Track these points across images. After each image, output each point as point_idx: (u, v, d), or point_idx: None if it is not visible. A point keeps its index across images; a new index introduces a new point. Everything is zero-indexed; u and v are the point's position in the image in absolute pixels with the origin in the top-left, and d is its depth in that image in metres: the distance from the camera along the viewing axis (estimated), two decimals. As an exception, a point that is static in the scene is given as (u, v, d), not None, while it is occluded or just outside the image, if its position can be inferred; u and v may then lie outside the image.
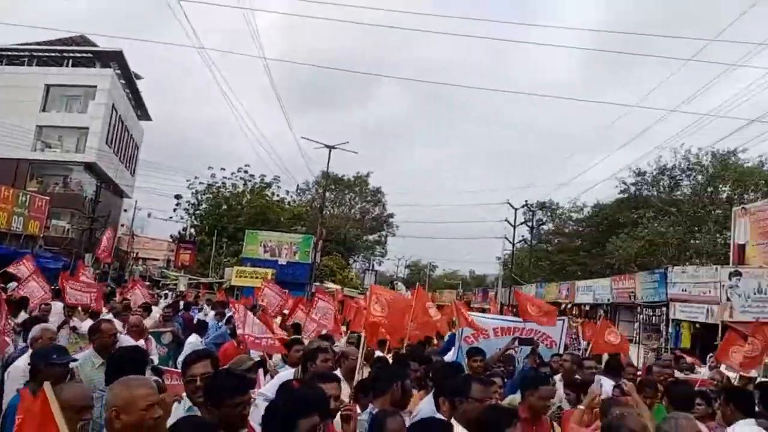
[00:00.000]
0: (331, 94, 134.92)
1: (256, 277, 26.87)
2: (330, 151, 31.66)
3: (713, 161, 31.21)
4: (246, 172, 44.32)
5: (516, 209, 40.16)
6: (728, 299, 18.37)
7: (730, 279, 18.58)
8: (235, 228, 39.58)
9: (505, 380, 5.52)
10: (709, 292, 19.04)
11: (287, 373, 5.01)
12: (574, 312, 27.23)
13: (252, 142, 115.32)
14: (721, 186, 31.07)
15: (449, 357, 7.08)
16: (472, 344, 7.00)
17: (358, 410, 4.04)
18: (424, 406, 4.38)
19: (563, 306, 29.33)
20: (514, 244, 41.85)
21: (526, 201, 41.27)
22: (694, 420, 3.52)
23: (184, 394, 3.30)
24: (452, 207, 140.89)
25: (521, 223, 40.92)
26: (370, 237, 56.73)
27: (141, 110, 44.24)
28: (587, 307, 27.14)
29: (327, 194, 51.26)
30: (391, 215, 55.68)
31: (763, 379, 8.43)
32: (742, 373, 8.29)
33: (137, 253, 42.87)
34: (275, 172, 63.91)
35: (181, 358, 5.64)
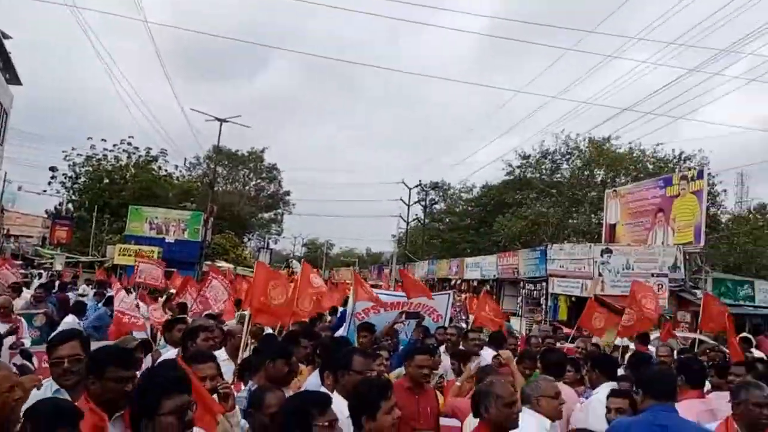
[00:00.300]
0: (223, 66, 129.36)
1: (141, 256, 25.48)
2: (221, 125, 30.52)
3: (590, 147, 33.53)
4: (130, 144, 41.59)
5: (410, 189, 41.05)
6: (600, 274, 19.97)
7: (601, 256, 20.17)
8: (118, 203, 37.16)
9: (392, 353, 5.63)
10: (584, 268, 20.56)
11: (170, 354, 4.81)
12: (463, 287, 28.38)
13: (135, 113, 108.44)
14: (596, 170, 33.47)
15: (340, 333, 7.11)
16: (362, 320, 7.06)
17: (242, 387, 3.95)
18: (310, 380, 4.38)
19: (453, 281, 30.51)
20: (408, 223, 42.85)
21: (420, 181, 42.38)
22: (554, 381, 3.76)
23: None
24: (349, 185, 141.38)
25: (415, 203, 41.96)
26: (266, 215, 55.62)
27: (10, 73, 39.95)
28: (475, 283, 28.37)
29: (219, 170, 49.48)
30: (287, 192, 54.89)
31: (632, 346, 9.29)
32: (603, 339, 9.07)
33: (8, 230, 39.09)
34: (162, 146, 60.68)
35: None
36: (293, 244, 74.04)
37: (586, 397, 4.82)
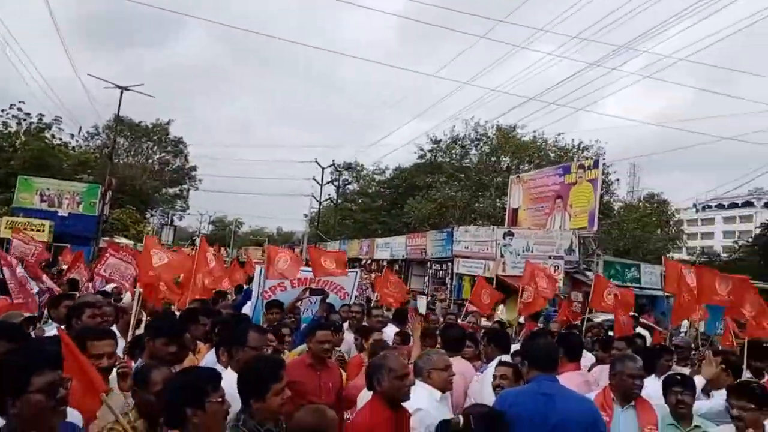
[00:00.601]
0: (128, 33, 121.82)
1: (31, 230, 23.66)
2: (122, 93, 28.64)
3: (497, 134, 34.74)
4: (20, 110, 38.25)
5: (323, 168, 40.75)
6: (502, 256, 20.87)
7: (504, 238, 21.06)
8: (6, 173, 34.16)
9: (294, 331, 5.59)
10: (487, 249, 21.38)
11: (54, 331, 4.52)
12: (373, 267, 28.68)
13: (28, 80, 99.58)
14: (502, 156, 34.77)
15: (247, 311, 6.98)
16: (269, 298, 6.97)
17: (132, 365, 3.78)
18: (207, 358, 4.27)
19: (363, 261, 30.77)
20: (320, 203, 42.58)
21: (333, 161, 42.10)
22: (445, 355, 3.91)
23: None
24: (260, 163, 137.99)
25: (328, 182, 41.72)
26: (170, 190, 53.22)
27: None
28: (385, 263, 28.78)
29: (121, 141, 46.68)
30: (193, 168, 52.62)
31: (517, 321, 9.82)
32: (506, 317, 9.57)
33: None
34: (56, 114, 56.34)
35: None
36: (200, 221, 71.58)
37: (482, 371, 5.01)
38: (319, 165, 40.45)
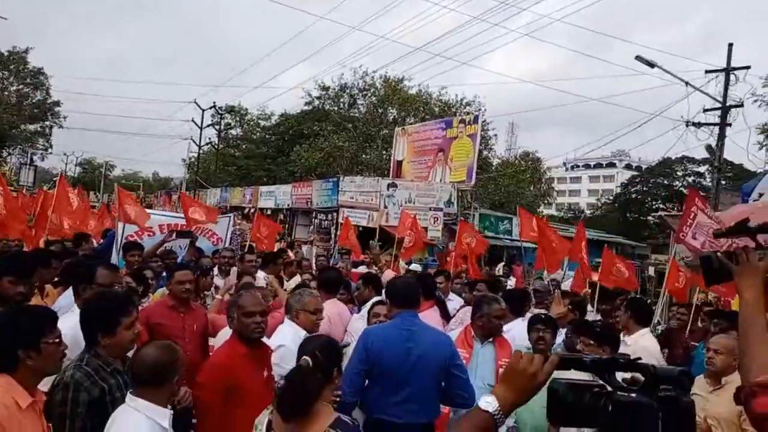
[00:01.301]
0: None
1: None
2: (-32, 12, 25.13)
3: (385, 85, 34.83)
4: None
5: (204, 110, 38.72)
6: (385, 207, 21.30)
7: (387, 189, 21.45)
8: None
9: (159, 274, 5.39)
10: (372, 200, 21.70)
11: None
12: (256, 216, 28.12)
13: None
14: (389, 108, 35.02)
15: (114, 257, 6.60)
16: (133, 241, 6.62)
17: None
18: (60, 300, 4.02)
19: (246, 210, 30.06)
20: (200, 147, 40.61)
21: (214, 103, 39.94)
22: (318, 298, 3.98)
23: None
24: (135, 101, 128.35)
25: (208, 125, 39.75)
26: (30, 126, 48.15)
27: None
28: (269, 212, 28.30)
29: (-31, 69, 41.34)
30: (57, 103, 47.74)
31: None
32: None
33: None
34: None
35: None
36: (65, 162, 65.70)
37: (359, 311, 5.43)
38: (199, 106, 38.34)
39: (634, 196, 46.19)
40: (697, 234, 6.77)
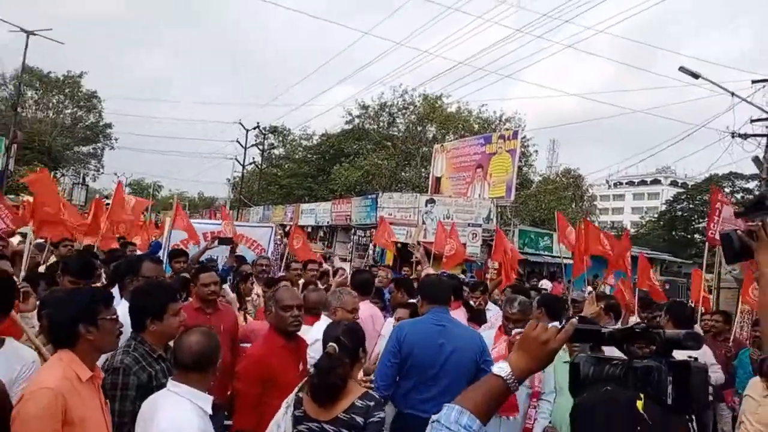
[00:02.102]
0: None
1: None
2: (28, 38, 26.56)
3: (424, 103, 35.06)
4: None
5: (248, 131, 39.69)
6: (423, 223, 21.33)
7: (426, 205, 21.51)
8: None
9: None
10: (410, 216, 21.79)
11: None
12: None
13: None
14: (428, 126, 35.20)
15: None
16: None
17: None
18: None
19: (287, 228, 30.55)
20: (244, 166, 41.57)
21: (258, 123, 40.90)
22: (357, 298, 4.09)
23: None
24: (181, 122, 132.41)
25: (252, 145, 40.70)
26: (83, 148, 50.27)
27: None
28: (309, 229, 28.69)
29: (30, 94, 43.51)
30: (108, 125, 49.77)
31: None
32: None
33: None
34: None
35: None
36: (114, 182, 68.08)
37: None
38: (243, 127, 39.33)
39: (679, 213, 44.96)
40: (725, 227, 6.69)
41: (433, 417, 1.44)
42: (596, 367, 1.50)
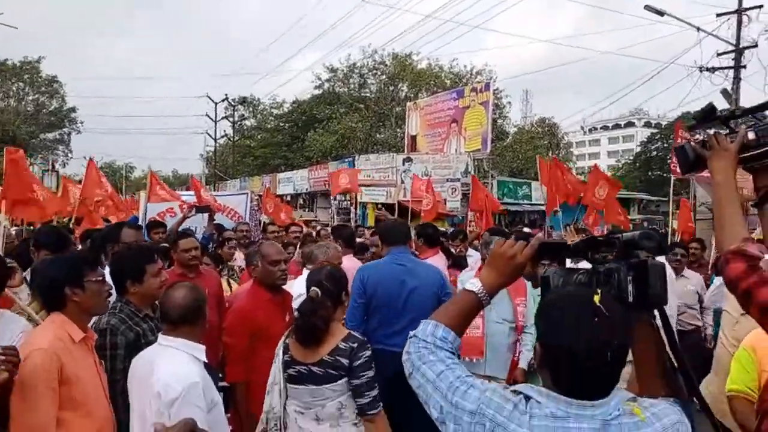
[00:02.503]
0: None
1: None
2: (-21, 25, 25.54)
3: (394, 62, 34.64)
4: None
5: (216, 103, 39.00)
6: (402, 182, 21.35)
7: (403, 164, 21.50)
8: None
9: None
10: (388, 176, 21.80)
11: None
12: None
13: None
14: (400, 85, 34.88)
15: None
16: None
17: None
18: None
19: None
20: (216, 140, 41.01)
21: (226, 95, 40.15)
22: (339, 251, 4.17)
23: None
24: (147, 100, 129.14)
25: (222, 118, 40.08)
26: (49, 135, 49.01)
27: None
28: (288, 198, 28.57)
29: (-14, 83, 42.12)
30: (73, 109, 48.41)
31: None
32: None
33: None
34: None
35: None
36: (84, 166, 66.65)
37: None
38: (212, 100, 38.64)
39: (654, 153, 45.49)
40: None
41: (411, 333, 1.51)
42: (565, 278, 1.57)
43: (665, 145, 44.99)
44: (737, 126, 1.88)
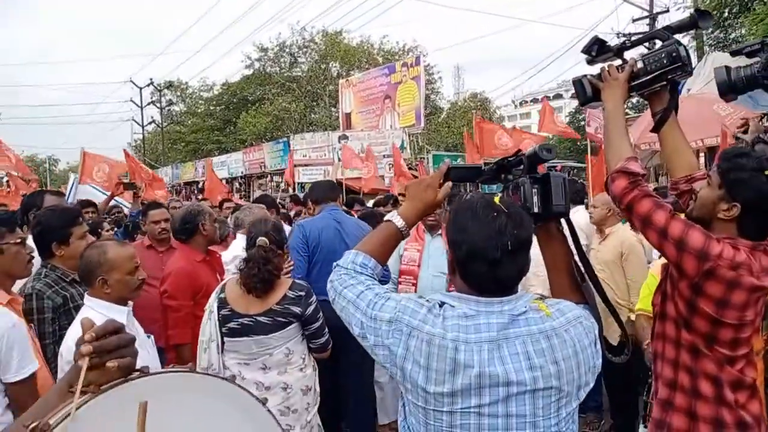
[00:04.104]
0: None
1: None
2: None
3: (324, 39, 34.25)
4: None
5: (141, 89, 37.46)
6: (339, 160, 21.32)
7: (339, 142, 21.44)
8: None
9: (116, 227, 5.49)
10: (325, 155, 21.70)
11: None
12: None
13: None
14: (332, 63, 34.55)
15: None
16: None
17: None
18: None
19: (201, 184, 29.59)
20: (143, 127, 39.48)
21: (151, 79, 38.56)
22: (267, 211, 4.24)
23: None
24: (70, 88, 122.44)
25: (149, 103, 38.56)
26: (-39, 129, 45.93)
27: None
28: (224, 181, 27.96)
29: None
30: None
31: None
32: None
33: None
34: None
35: None
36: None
37: None
38: (136, 85, 37.03)
39: (582, 124, 47.10)
40: (591, 122, 7.53)
41: (334, 263, 1.60)
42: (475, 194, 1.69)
43: (591, 114, 46.72)
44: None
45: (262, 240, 2.74)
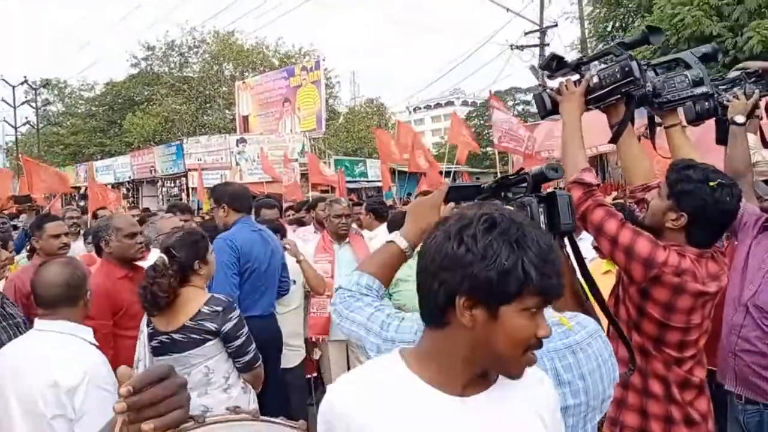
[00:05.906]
0: None
1: None
2: None
3: (216, 40, 33.15)
4: None
5: (14, 87, 34.26)
6: (237, 164, 20.68)
7: (237, 146, 20.83)
8: None
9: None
10: (222, 159, 20.96)
11: None
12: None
13: None
14: (225, 64, 33.51)
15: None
16: None
17: None
18: None
19: (83, 189, 27.54)
20: (16, 129, 36.23)
21: (25, 77, 35.37)
22: (169, 217, 4.08)
23: None
24: None
25: (23, 103, 35.40)
26: None
27: None
28: (110, 186, 26.21)
29: None
30: None
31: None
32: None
33: None
34: None
35: None
36: None
37: None
38: (8, 83, 33.81)
39: (473, 130, 49.18)
40: (500, 127, 8.11)
41: (336, 285, 1.52)
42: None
43: (482, 121, 48.90)
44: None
45: (159, 259, 2.63)
